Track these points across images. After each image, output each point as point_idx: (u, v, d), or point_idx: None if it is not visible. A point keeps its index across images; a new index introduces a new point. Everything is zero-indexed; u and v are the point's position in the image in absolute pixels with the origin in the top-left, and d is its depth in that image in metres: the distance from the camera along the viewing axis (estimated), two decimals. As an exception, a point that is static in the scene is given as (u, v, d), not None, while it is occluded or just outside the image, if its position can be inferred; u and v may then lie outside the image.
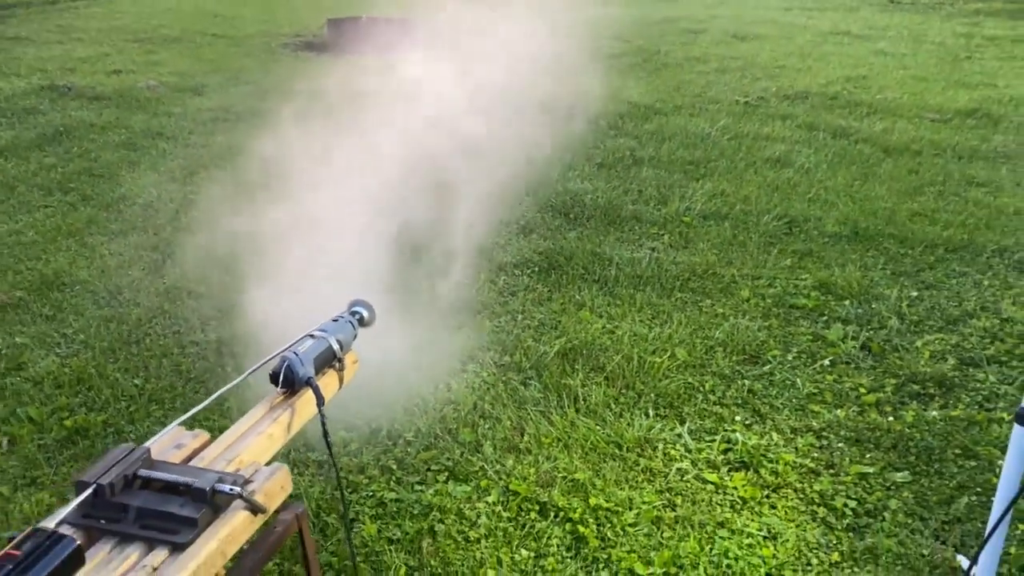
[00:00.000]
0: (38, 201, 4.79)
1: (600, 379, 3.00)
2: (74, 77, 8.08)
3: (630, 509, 2.36)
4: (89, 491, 1.35)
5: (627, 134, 6.28)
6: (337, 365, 1.83)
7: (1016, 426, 1.75)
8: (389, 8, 11.48)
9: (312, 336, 1.82)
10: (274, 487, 1.47)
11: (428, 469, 2.53)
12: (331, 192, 3.13)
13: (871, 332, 3.40)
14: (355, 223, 3.08)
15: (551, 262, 4.03)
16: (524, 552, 2.20)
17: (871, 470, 2.56)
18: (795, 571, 2.16)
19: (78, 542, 1.14)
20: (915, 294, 3.75)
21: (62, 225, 4.42)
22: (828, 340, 3.33)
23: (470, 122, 4.02)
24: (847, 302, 3.65)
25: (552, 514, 2.34)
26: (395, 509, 2.35)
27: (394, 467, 2.53)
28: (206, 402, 1.63)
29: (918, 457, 2.63)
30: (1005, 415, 2.86)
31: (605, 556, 2.19)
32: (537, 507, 2.36)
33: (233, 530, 1.37)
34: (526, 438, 2.68)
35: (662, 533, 2.28)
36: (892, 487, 2.50)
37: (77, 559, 1.14)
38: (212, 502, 1.37)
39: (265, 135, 5.96)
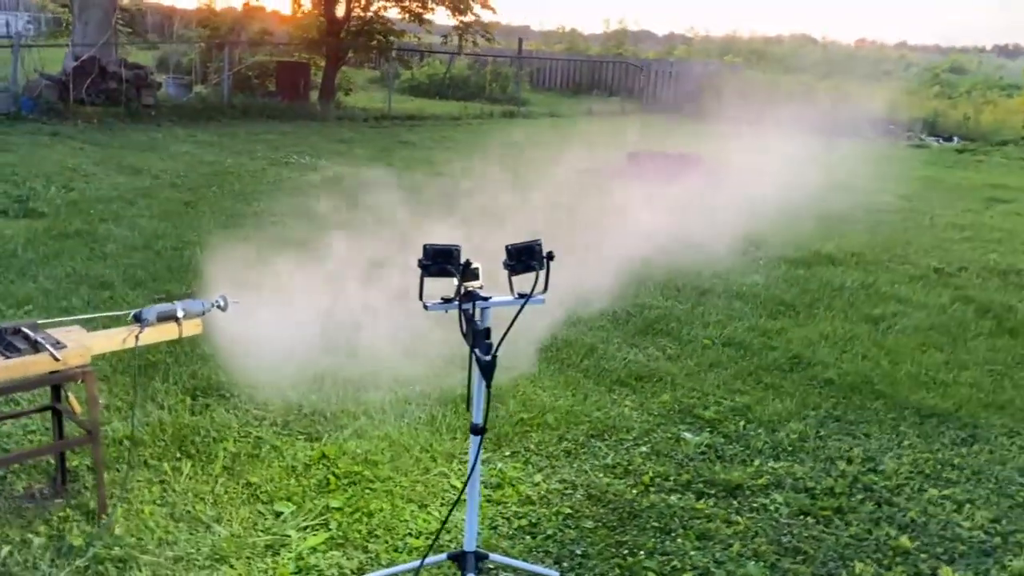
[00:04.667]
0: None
1: (466, 412, 4.02)
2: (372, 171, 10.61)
3: (379, 481, 3.42)
4: (-7, 329, 2.95)
5: (767, 274, 6.85)
6: (177, 322, 3.25)
7: (472, 436, 2.61)
8: (683, 145, 12.78)
9: (172, 303, 3.28)
10: (74, 354, 2.94)
11: (301, 432, 3.81)
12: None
13: (734, 449, 3.92)
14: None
15: (556, 347, 5.00)
16: (297, 481, 3.39)
17: (568, 511, 3.30)
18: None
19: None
20: (821, 433, 4.12)
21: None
22: (684, 441, 3.95)
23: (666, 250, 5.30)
24: (743, 423, 4.16)
25: (325, 466, 3.49)
26: (250, 441, 3.68)
27: (280, 424, 3.85)
28: (95, 315, 3.17)
29: (622, 514, 3.29)
30: (741, 519, 3.34)
31: (332, 490, 3.30)
32: (328, 461, 3.53)
33: (36, 360, 2.86)
34: (379, 433, 3.83)
35: (370, 492, 3.31)
36: (580, 530, 3.22)
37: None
38: (35, 347, 2.88)
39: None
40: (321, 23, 18.36)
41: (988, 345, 5.44)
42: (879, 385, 4.70)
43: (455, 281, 2.50)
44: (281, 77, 17.21)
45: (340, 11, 17.71)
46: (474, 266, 2.52)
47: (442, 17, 18.23)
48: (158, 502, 3.18)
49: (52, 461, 3.29)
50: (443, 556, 2.78)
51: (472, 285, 2.53)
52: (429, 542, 3.03)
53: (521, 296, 2.56)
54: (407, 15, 18.19)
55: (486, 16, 18.29)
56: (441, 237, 2.53)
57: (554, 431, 3.97)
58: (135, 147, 11.64)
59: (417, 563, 2.75)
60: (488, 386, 2.54)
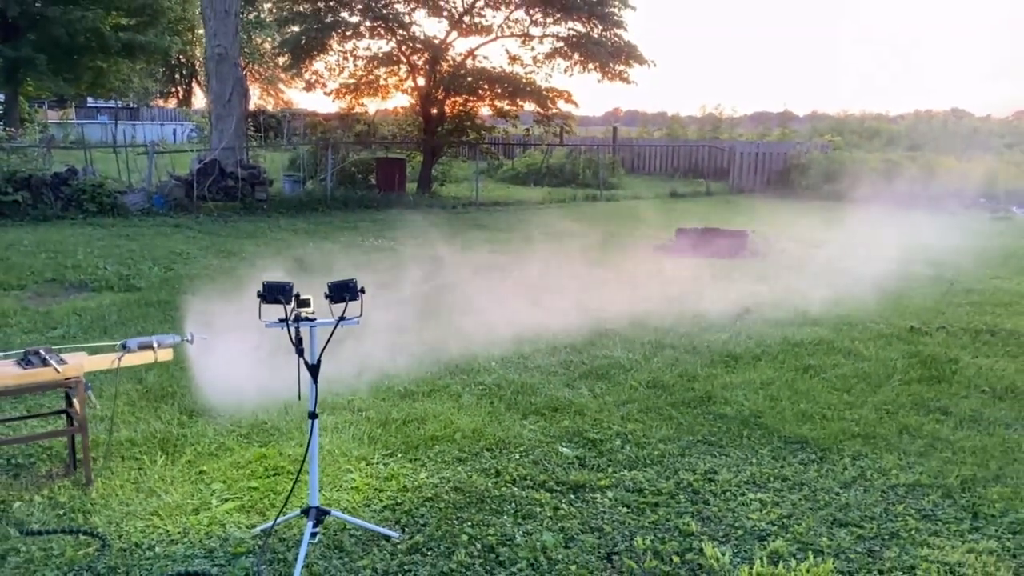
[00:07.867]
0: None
1: (394, 430, 5.05)
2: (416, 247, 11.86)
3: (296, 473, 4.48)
4: (20, 352, 4.25)
5: (736, 332, 7.55)
6: (152, 350, 4.47)
7: (309, 419, 3.64)
8: (741, 222, 13.49)
9: (150, 336, 4.52)
10: (71, 369, 4.20)
11: (257, 441, 4.93)
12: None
13: (599, 461, 4.75)
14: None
15: (497, 385, 5.97)
16: (236, 471, 4.50)
17: (431, 495, 4.24)
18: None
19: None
20: (684, 452, 4.88)
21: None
22: (560, 454, 4.82)
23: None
24: (620, 443, 4.98)
25: (260, 462, 4.58)
26: (216, 444, 4.83)
27: (244, 434, 4.99)
28: (89, 345, 4.44)
29: (472, 499, 4.20)
30: (567, 507, 4.19)
31: (258, 477, 4.39)
32: (264, 459, 4.63)
33: (42, 371, 4.13)
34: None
35: (287, 480, 4.37)
36: (432, 508, 4.16)
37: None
38: (43, 362, 4.16)
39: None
40: (419, 122, 20.30)
41: (899, 391, 5.99)
42: (766, 419, 5.40)
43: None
44: (380, 171, 19.11)
45: (435, 111, 19.57)
46: (304, 297, 3.62)
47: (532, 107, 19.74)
48: (131, 480, 4.36)
49: (66, 451, 4.56)
50: (297, 512, 3.81)
51: (305, 311, 3.62)
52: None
53: (342, 319, 3.62)
54: (496, 113, 19.85)
55: (569, 109, 19.72)
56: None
57: (456, 444, 4.93)
58: (238, 235, 13.47)
59: (277, 518, 3.80)
60: (315, 382, 3.60)
